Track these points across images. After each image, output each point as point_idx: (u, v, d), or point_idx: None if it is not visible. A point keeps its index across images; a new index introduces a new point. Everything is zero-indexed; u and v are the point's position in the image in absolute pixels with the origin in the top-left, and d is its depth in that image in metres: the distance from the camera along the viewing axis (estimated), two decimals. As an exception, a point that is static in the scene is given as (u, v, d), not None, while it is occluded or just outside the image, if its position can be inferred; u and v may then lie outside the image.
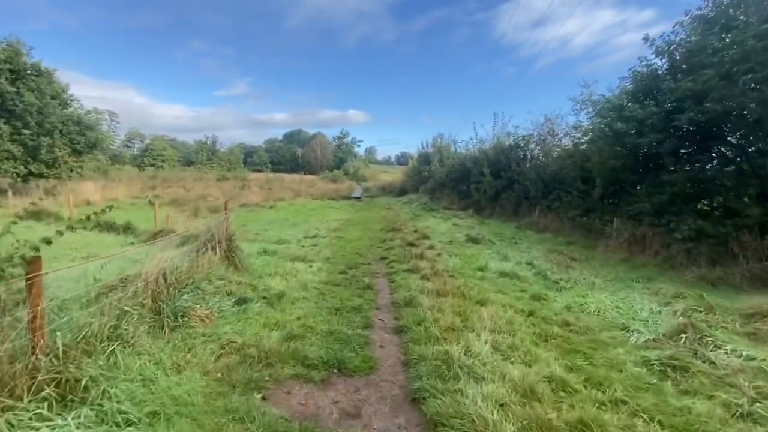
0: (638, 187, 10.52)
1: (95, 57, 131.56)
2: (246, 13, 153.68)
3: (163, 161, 60.72)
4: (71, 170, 24.40)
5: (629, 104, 9.49)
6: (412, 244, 9.20)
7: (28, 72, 21.31)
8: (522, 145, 16.95)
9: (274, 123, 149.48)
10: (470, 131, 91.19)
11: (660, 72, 9.23)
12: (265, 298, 4.94)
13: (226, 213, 6.14)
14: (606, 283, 6.66)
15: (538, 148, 16.37)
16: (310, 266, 6.92)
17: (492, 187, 17.21)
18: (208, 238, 5.80)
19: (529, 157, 16.70)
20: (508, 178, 16.75)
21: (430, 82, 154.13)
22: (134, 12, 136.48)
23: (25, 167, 21.29)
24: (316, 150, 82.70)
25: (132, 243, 8.39)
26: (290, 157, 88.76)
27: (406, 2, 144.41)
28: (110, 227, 9.96)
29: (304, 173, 57.05)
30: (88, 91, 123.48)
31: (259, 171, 59.85)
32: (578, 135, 14.93)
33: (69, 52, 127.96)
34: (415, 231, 11.43)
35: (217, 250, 5.77)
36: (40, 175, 22.55)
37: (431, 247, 9.01)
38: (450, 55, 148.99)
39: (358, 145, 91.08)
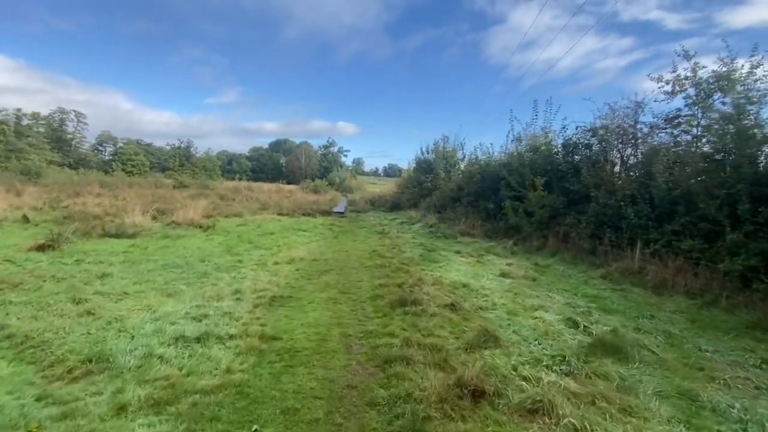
0: None
1: (88, 62, 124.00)
2: (242, 24, 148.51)
3: (133, 166, 54.97)
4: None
5: None
6: (478, 393, 2.96)
7: None
8: (593, 142, 11.03)
9: (263, 132, 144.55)
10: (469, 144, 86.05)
11: None
12: None
13: None
14: None
15: (626, 147, 10.41)
16: None
17: (544, 206, 11.18)
18: None
19: (606, 160, 10.73)
20: (573, 192, 10.75)
21: (421, 99, 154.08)
22: (131, 19, 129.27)
23: None
24: (300, 158, 76.50)
25: None
26: (273, 165, 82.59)
27: (401, 20, 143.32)
28: None
29: (282, 182, 50.52)
30: (75, 95, 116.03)
31: (233, 179, 53.37)
32: (690, 128, 9.36)
33: (62, 56, 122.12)
34: (452, 306, 5.14)
35: None
36: None
37: (546, 414, 2.80)
38: (441, 72, 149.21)
39: (345, 155, 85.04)
